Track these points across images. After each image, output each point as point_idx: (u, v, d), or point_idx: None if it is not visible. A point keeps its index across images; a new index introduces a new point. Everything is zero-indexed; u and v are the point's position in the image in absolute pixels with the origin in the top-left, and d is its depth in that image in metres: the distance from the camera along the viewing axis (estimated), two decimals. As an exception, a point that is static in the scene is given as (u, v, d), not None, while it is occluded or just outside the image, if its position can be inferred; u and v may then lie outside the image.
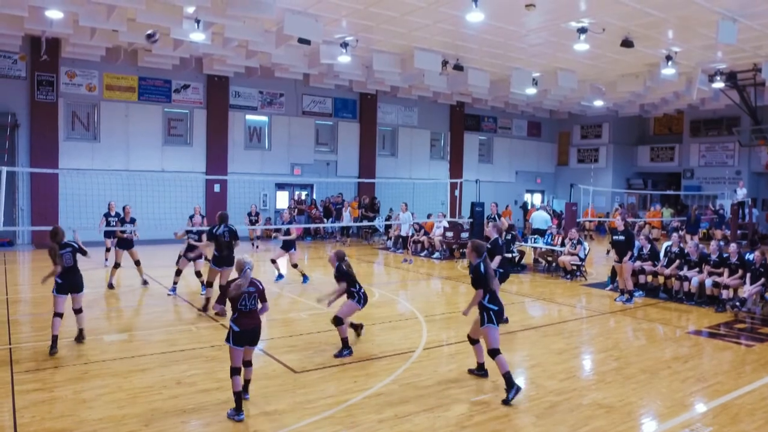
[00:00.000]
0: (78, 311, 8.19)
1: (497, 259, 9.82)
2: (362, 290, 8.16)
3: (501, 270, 9.91)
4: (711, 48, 17.09)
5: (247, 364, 6.17)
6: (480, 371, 7.14)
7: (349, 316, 8.14)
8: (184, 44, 17.13)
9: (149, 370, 7.16)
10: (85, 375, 6.89)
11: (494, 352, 6.51)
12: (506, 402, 6.28)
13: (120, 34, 15.75)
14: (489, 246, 10.16)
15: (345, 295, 8.11)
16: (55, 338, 7.72)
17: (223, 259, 10.24)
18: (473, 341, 7.12)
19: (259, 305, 6.12)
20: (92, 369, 7.11)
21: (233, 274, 7.28)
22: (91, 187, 16.43)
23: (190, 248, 12.06)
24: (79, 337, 8.23)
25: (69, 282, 7.99)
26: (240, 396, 5.82)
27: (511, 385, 6.32)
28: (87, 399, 6.16)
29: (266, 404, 6.14)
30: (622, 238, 12.39)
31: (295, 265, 13.38)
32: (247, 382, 6.22)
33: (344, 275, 8.06)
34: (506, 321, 9.90)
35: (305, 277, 13.36)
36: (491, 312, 6.57)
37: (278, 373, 7.17)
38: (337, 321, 7.90)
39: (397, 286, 14.04)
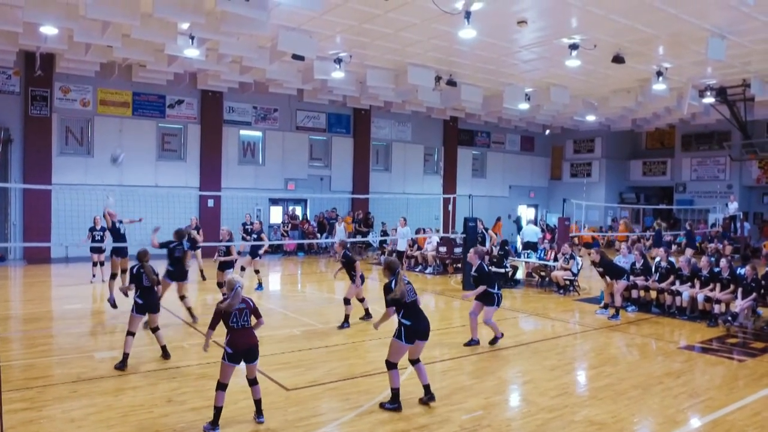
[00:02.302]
0: (155, 329, 8.38)
1: (481, 287, 9.24)
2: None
3: (499, 292, 9.36)
4: (701, 64, 17.27)
5: (252, 382, 6.12)
6: (426, 395, 6.75)
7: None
8: (178, 60, 17.19)
9: (139, 388, 7.10)
10: (74, 393, 6.83)
11: (389, 365, 6.59)
12: (381, 405, 6.58)
13: (114, 50, 15.77)
14: (475, 274, 9.42)
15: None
16: (126, 356, 7.83)
17: (174, 273, 10.80)
18: (412, 362, 6.78)
19: (254, 321, 6.18)
20: (81, 387, 7.04)
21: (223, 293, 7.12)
22: (84, 202, 16.36)
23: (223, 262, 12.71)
24: (165, 354, 8.34)
25: (147, 303, 8.18)
26: (220, 411, 5.87)
27: (393, 401, 6.52)
28: (76, 418, 6.10)
29: (257, 422, 6.09)
30: (600, 269, 12.53)
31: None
32: (257, 402, 6.12)
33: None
34: (498, 339, 9.60)
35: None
36: (402, 327, 6.59)
37: (270, 390, 7.11)
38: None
39: (390, 302, 13.99)
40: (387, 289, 6.72)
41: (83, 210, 15.43)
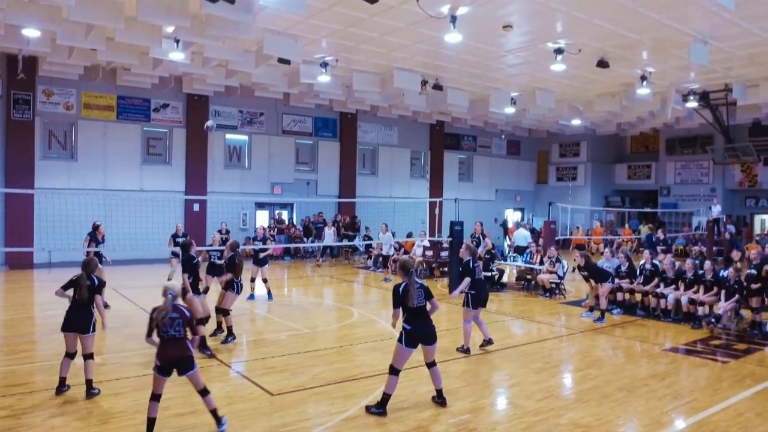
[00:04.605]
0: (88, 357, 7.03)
1: (466, 280, 9.09)
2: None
3: (473, 292, 9.10)
4: (684, 69, 17.46)
5: (204, 392, 5.86)
6: (438, 398, 6.83)
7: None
8: (163, 63, 17.05)
9: (123, 394, 7.01)
10: (55, 400, 6.72)
11: (392, 369, 6.58)
12: (367, 408, 6.57)
13: (98, 53, 15.64)
14: (461, 267, 9.42)
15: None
16: (62, 380, 6.97)
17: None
18: (428, 365, 6.86)
19: (189, 335, 5.87)
20: (63, 394, 6.91)
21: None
22: (67, 207, 16.19)
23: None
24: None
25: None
26: (152, 422, 5.67)
27: (381, 406, 6.48)
28: (57, 426, 6.00)
29: (242, 428, 6.03)
30: (585, 273, 12.59)
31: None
32: (213, 412, 5.87)
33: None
34: (490, 342, 9.50)
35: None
36: (403, 331, 6.60)
37: (255, 395, 7.08)
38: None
39: (377, 306, 13.98)
40: (395, 290, 6.64)
41: (67, 215, 15.29)
